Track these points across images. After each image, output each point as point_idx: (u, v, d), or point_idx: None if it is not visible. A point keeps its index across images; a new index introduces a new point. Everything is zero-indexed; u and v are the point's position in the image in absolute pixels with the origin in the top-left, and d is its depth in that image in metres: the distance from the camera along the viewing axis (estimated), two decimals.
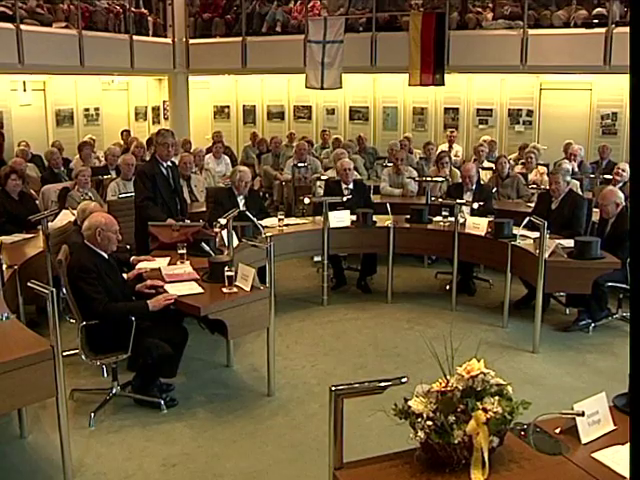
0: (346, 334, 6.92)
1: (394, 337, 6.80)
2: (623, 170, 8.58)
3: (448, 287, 7.91)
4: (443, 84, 12.64)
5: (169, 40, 15.45)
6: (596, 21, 11.77)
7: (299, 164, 10.46)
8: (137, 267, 5.89)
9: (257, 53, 14.68)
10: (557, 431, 3.01)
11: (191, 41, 15.55)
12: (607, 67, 11.74)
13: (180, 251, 6.05)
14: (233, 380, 5.90)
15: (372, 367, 6.02)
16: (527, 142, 12.35)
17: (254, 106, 17.36)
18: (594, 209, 7.94)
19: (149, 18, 15.17)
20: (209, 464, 4.54)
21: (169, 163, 7.09)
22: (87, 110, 15.52)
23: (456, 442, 2.62)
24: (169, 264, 6.00)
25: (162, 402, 5.27)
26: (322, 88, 13.61)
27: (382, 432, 4.43)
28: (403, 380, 2.81)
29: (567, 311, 7.45)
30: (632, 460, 1.85)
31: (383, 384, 2.80)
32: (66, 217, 7.35)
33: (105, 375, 5.71)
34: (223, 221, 6.10)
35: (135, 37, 14.08)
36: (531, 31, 12.21)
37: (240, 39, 14.83)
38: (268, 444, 4.79)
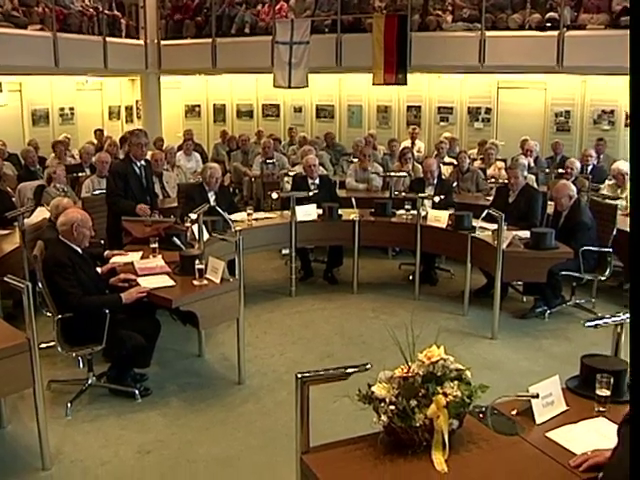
0: (314, 324, 7.10)
1: (359, 326, 6.98)
2: (573, 165, 8.91)
3: (411, 277, 8.09)
4: (405, 83, 12.86)
5: (141, 41, 15.57)
6: (549, 24, 12.11)
7: (267, 160, 10.66)
8: (111, 261, 5.99)
9: (226, 54, 14.83)
10: (513, 413, 3.14)
11: (163, 42, 15.67)
12: (560, 67, 12.10)
13: (152, 245, 6.20)
14: (205, 369, 6.03)
15: (339, 355, 6.17)
16: (486, 138, 12.67)
17: (224, 105, 17.50)
18: (549, 202, 8.20)
19: (122, 20, 15.26)
20: (182, 450, 4.65)
21: (142, 162, 7.26)
22: (62, 110, 15.59)
23: (417, 425, 2.74)
24: (142, 258, 6.12)
25: (136, 392, 5.37)
26: (289, 87, 13.77)
27: (349, 417, 4.46)
28: (367, 367, 2.93)
29: (524, 299, 7.69)
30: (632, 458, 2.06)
31: (347, 371, 2.91)
32: (42, 214, 7.44)
33: (81, 366, 5.78)
34: (194, 216, 6.22)
35: (108, 39, 14.19)
36: (488, 33, 12.51)
37: (210, 40, 15.00)
38: (239, 430, 4.93)
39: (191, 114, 17.79)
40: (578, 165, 9.19)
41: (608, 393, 3.17)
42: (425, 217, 7.75)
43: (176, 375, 5.85)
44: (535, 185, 9.01)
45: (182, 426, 5.00)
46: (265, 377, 5.80)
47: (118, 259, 6.10)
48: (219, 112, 17.53)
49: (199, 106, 17.76)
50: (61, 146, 11.10)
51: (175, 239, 6.30)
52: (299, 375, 2.84)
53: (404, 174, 9.41)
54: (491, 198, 8.55)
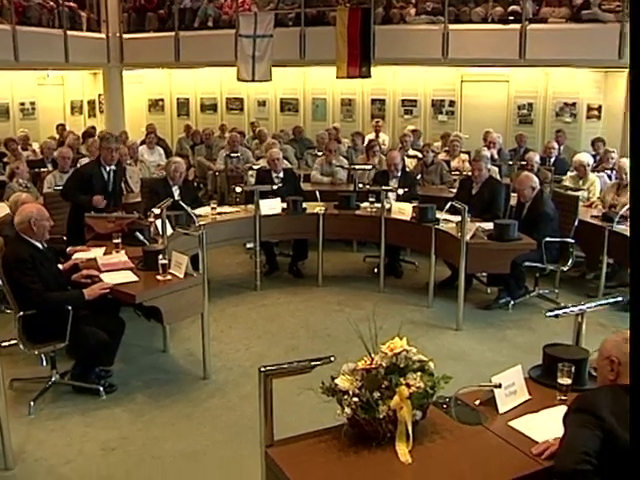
0: (279, 317, 7.09)
1: (325, 319, 6.99)
2: (532, 160, 9.01)
3: (376, 270, 8.13)
4: (369, 76, 12.91)
5: (103, 35, 15.37)
6: (511, 18, 12.25)
7: (231, 154, 10.63)
8: (73, 257, 5.93)
9: (190, 47, 14.74)
10: (477, 403, 3.19)
11: (125, 36, 15.49)
12: (522, 60, 12.24)
13: (115, 241, 6.15)
14: (170, 365, 6.00)
15: (304, 348, 6.18)
16: (449, 131, 12.73)
17: (187, 99, 17.39)
18: (512, 194, 8.27)
19: (82, 13, 15.06)
20: (148, 446, 4.63)
21: (113, 167, 7.23)
22: (23, 104, 15.35)
23: (381, 417, 2.77)
24: (105, 254, 6.07)
25: (101, 389, 5.33)
26: (253, 81, 13.76)
27: (314, 410, 4.33)
28: (330, 360, 2.96)
29: (488, 290, 7.76)
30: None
31: (311, 364, 2.94)
32: (3, 210, 7.31)
33: (44, 364, 5.72)
34: (157, 211, 6.20)
35: (69, 32, 13.99)
36: (452, 26, 12.59)
37: (173, 34, 14.88)
38: (205, 425, 4.92)
39: (154, 108, 17.66)
40: (537, 159, 9.26)
41: (569, 382, 3.22)
42: (389, 210, 7.78)
43: (141, 371, 5.82)
44: (498, 177, 9.09)
45: (147, 422, 4.98)
46: (230, 371, 5.79)
47: (81, 255, 6.03)
48: (183, 106, 17.42)
49: (162, 100, 17.63)
50: (13, 144, 10.89)
51: (138, 234, 6.29)
52: (262, 369, 2.85)
53: (369, 167, 9.43)
54: (455, 190, 8.60)
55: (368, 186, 8.48)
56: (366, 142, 11.70)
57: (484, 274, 7.77)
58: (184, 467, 4.41)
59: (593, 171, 9.37)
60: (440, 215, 7.28)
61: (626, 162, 8.36)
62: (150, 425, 4.94)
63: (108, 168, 7.21)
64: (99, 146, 7.67)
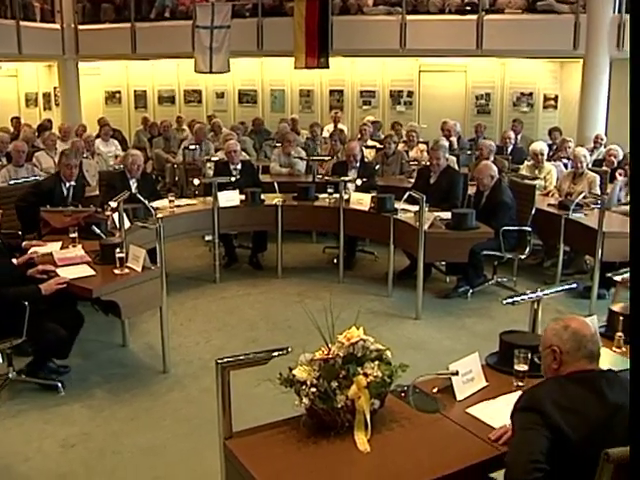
0: (238, 309, 7.07)
1: (285, 310, 6.98)
2: (484, 148, 9.08)
3: (335, 261, 8.14)
4: (327, 67, 12.94)
5: (57, 26, 15.11)
6: (468, 8, 12.35)
7: (190, 146, 10.58)
8: (29, 252, 5.83)
9: (146, 38, 14.60)
10: (435, 390, 3.20)
11: (80, 27, 15.26)
12: (479, 51, 12.37)
13: (72, 235, 6.08)
14: (129, 359, 5.95)
15: (264, 340, 6.14)
16: (401, 121, 12.85)
17: (145, 91, 17.25)
18: (470, 183, 8.35)
19: (36, 3, 14.79)
20: (107, 442, 4.58)
21: (73, 183, 7.16)
22: None
23: (339, 406, 2.77)
24: (61, 248, 6.00)
25: (59, 384, 5.26)
26: (211, 72, 13.73)
27: (274, 401, 4.36)
28: (287, 351, 2.96)
29: (447, 279, 7.81)
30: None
31: (267, 355, 2.94)
32: None
33: (0, 361, 5.60)
34: (114, 204, 6.13)
35: (22, 23, 13.75)
36: (409, 17, 12.68)
37: (129, 25, 14.75)
38: (165, 419, 4.89)
39: (111, 101, 17.47)
40: (493, 146, 9.32)
41: (526, 368, 3.26)
42: (348, 200, 7.79)
43: (100, 366, 5.76)
44: (456, 166, 9.15)
45: (107, 417, 4.94)
46: (190, 365, 5.76)
47: (36, 250, 5.93)
48: (140, 98, 17.27)
49: (119, 92, 17.45)
50: None
51: (95, 228, 6.21)
52: (219, 361, 2.85)
53: (328, 157, 9.44)
54: (413, 180, 8.63)
55: (327, 177, 8.49)
56: (328, 133, 11.77)
57: (443, 263, 7.82)
58: (144, 461, 4.38)
59: (550, 160, 9.49)
60: (398, 205, 7.31)
61: (581, 151, 8.49)
62: (110, 420, 4.90)
63: (68, 184, 7.17)
64: (58, 161, 7.56)
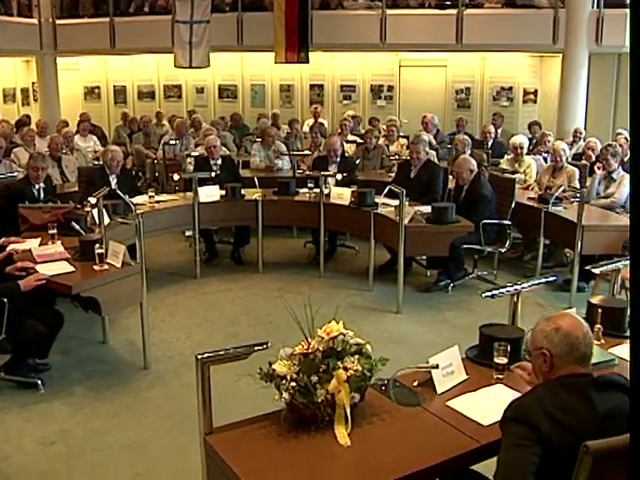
0: (219, 305, 7.06)
1: (265, 305, 6.97)
2: (462, 141, 9.13)
3: (315, 258, 8.16)
4: (308, 62, 12.93)
5: (35, 20, 14.96)
6: (448, 3, 12.40)
7: (170, 142, 10.55)
8: (7, 249, 5.79)
9: (125, 33, 14.53)
10: (415, 384, 3.20)
11: (58, 21, 15.13)
12: (459, 45, 12.42)
13: (51, 231, 6.05)
14: (110, 356, 5.92)
15: (245, 335, 6.13)
16: (388, 116, 12.82)
17: (124, 86, 17.12)
18: (450, 177, 8.33)
19: None
20: (88, 439, 4.56)
21: (42, 184, 7.13)
22: None
23: (319, 401, 2.76)
24: (40, 245, 5.96)
25: (39, 382, 5.23)
26: (191, 67, 13.65)
27: (254, 396, 4.39)
28: (266, 345, 2.97)
29: (428, 273, 7.84)
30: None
31: (247, 350, 2.94)
32: None
33: None
34: (93, 200, 6.11)
35: None
36: (389, 11, 12.72)
37: (108, 19, 14.66)
38: (146, 416, 4.87)
39: (91, 96, 17.34)
40: (468, 140, 9.35)
41: (505, 360, 3.27)
42: (328, 195, 7.77)
43: (80, 363, 5.72)
44: (436, 160, 9.16)
45: (87, 414, 4.91)
46: (171, 360, 5.74)
47: (15, 246, 5.87)
48: (119, 93, 17.15)
49: (99, 88, 17.31)
50: None
51: (74, 224, 6.17)
52: (199, 356, 2.84)
53: (308, 152, 9.43)
54: (394, 175, 8.63)
55: (307, 172, 8.48)
56: (308, 128, 11.77)
57: (423, 257, 7.84)
58: (126, 458, 4.36)
59: (529, 154, 9.53)
60: (379, 199, 7.32)
61: (561, 145, 8.53)
62: (90, 417, 4.87)
63: (37, 186, 7.14)
64: (27, 164, 7.51)
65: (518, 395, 3.06)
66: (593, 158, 9.23)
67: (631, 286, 1.86)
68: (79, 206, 6.94)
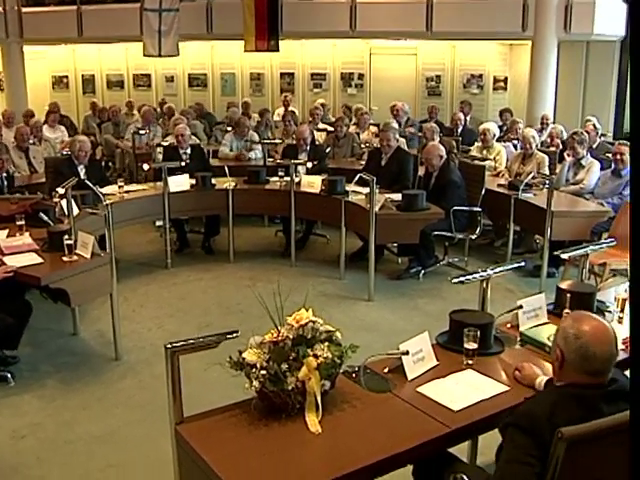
0: (191, 295, 7.03)
1: (237, 295, 6.94)
2: (430, 129, 9.15)
3: (287, 247, 8.10)
4: (278, 50, 12.88)
5: (0, 8, 14.77)
6: None
7: (140, 131, 10.47)
8: None
9: (93, 22, 14.39)
10: (386, 370, 3.20)
11: (24, 9, 14.95)
12: (429, 33, 12.44)
13: (18, 223, 5.99)
14: (80, 347, 5.88)
15: (216, 325, 6.10)
16: (359, 104, 12.84)
17: (93, 75, 17.00)
18: (420, 165, 8.35)
19: None
20: (59, 432, 4.54)
21: (4, 174, 7.06)
22: None
23: (290, 388, 2.75)
24: (8, 236, 5.89)
25: (9, 375, 5.18)
26: (160, 56, 13.52)
27: (229, 385, 4.34)
28: (236, 334, 2.95)
29: (399, 260, 7.85)
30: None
31: (217, 338, 2.92)
32: None
33: None
34: (61, 190, 6.04)
35: None
36: None
37: (75, 7, 14.50)
38: (118, 407, 4.85)
39: (59, 85, 17.18)
40: (436, 127, 9.38)
41: (475, 346, 3.28)
42: (299, 183, 7.77)
43: (50, 355, 5.68)
44: (406, 148, 9.18)
45: (58, 407, 4.89)
46: (142, 351, 5.72)
47: None
48: (88, 83, 17.01)
49: (67, 77, 17.16)
50: None
51: (42, 215, 6.09)
52: (168, 345, 2.82)
53: (279, 140, 9.41)
54: (364, 162, 8.63)
55: (278, 160, 8.45)
56: (279, 117, 11.74)
57: (395, 245, 7.86)
58: (97, 450, 4.34)
59: (500, 141, 9.58)
60: (349, 187, 7.32)
61: (530, 132, 8.58)
62: (61, 410, 4.85)
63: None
64: None
65: (488, 380, 3.12)
66: (560, 144, 9.33)
67: (631, 284, 1.84)
68: (47, 197, 6.88)
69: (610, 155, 7.90)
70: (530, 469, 2.32)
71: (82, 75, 17.08)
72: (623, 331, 3.58)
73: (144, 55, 13.64)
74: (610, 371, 2.50)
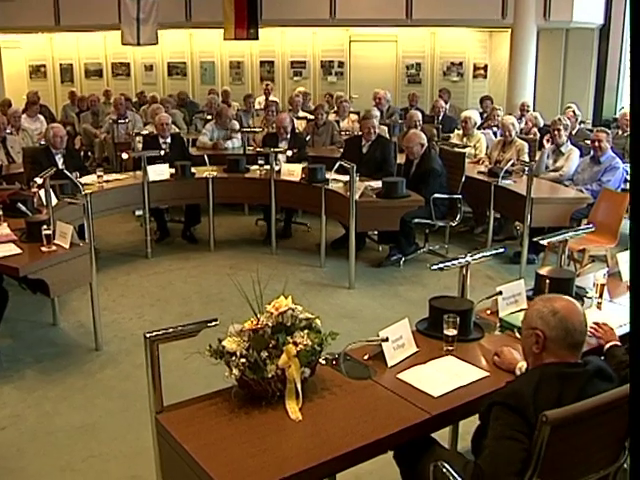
0: (171, 284, 7.01)
1: (218, 284, 6.93)
2: (413, 117, 9.12)
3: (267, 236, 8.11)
4: (257, 38, 12.87)
5: None
6: None
7: (119, 120, 10.40)
8: None
9: (71, 10, 14.30)
10: (366, 357, 3.20)
11: None
12: (409, 20, 12.45)
13: None
14: (61, 338, 5.84)
15: (197, 314, 6.09)
16: (339, 92, 12.82)
17: (71, 64, 16.87)
18: (400, 152, 8.35)
19: None
20: (40, 423, 4.51)
21: None
22: None
23: (270, 376, 2.75)
24: None
25: None
26: (138, 44, 13.43)
27: (210, 374, 4.40)
28: (215, 322, 2.95)
29: (380, 248, 7.86)
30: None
31: (196, 327, 2.91)
32: None
33: None
34: (39, 180, 6.01)
35: None
36: None
37: None
38: (99, 397, 4.83)
39: (36, 75, 17.02)
40: (419, 115, 9.37)
41: (455, 332, 3.29)
42: (279, 172, 7.74)
43: (30, 346, 5.64)
44: (387, 136, 9.18)
45: (39, 398, 4.85)
46: (123, 341, 5.70)
47: None
48: (66, 72, 16.88)
49: (44, 66, 17.00)
50: None
51: (20, 205, 6.04)
52: (148, 334, 2.81)
53: (259, 129, 9.39)
54: (342, 150, 8.61)
55: (258, 149, 8.43)
56: (260, 105, 11.69)
57: (375, 232, 7.87)
58: (79, 440, 4.32)
59: (480, 128, 9.61)
60: (329, 175, 7.31)
61: (510, 119, 8.61)
62: (42, 401, 4.82)
63: None
64: None
65: (468, 366, 3.13)
66: (537, 132, 9.40)
67: (631, 284, 1.86)
68: (25, 187, 6.83)
69: (589, 142, 7.93)
70: (519, 445, 2.36)
71: (60, 64, 16.93)
72: (600, 316, 3.62)
73: (122, 44, 13.55)
74: (584, 343, 2.63)
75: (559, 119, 8.04)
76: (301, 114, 10.93)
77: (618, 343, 3.19)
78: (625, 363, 2.94)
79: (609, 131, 7.80)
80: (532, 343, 2.63)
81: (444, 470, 2.52)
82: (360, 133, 8.29)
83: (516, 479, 2.32)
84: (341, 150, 8.87)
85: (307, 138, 9.48)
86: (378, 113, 9.66)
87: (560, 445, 2.29)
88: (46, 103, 14.14)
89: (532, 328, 2.63)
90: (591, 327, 3.31)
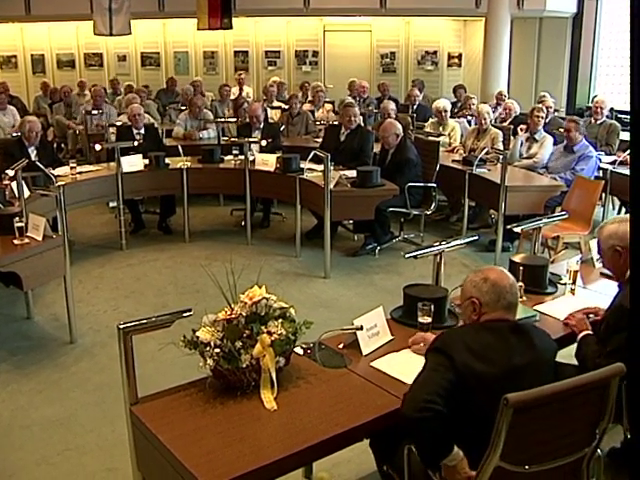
0: (146, 276, 6.98)
1: (193, 275, 6.91)
2: (388, 107, 9.12)
3: (243, 223, 8.09)
4: (231, 28, 12.76)
5: None
6: None
7: (93, 111, 10.32)
8: None
9: None
10: (340, 346, 3.23)
11: None
12: (383, 10, 12.45)
13: None
14: (35, 331, 5.80)
15: (173, 305, 6.00)
16: (314, 81, 12.79)
17: (43, 55, 16.60)
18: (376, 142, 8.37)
19: None
20: (15, 417, 4.48)
21: None
22: None
23: (244, 366, 2.76)
24: None
25: None
26: (111, 35, 13.26)
27: (186, 365, 4.47)
28: (188, 313, 2.94)
29: (355, 237, 7.88)
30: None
31: (170, 318, 2.90)
32: None
33: None
34: (11, 172, 5.97)
35: None
36: None
37: None
38: (74, 390, 4.81)
39: (7, 65, 16.75)
40: (393, 105, 9.38)
41: (429, 320, 3.31)
42: (253, 162, 7.72)
43: (4, 340, 5.59)
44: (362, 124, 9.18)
45: (13, 392, 4.82)
46: (98, 334, 5.66)
47: None
48: (38, 62, 16.63)
49: (15, 57, 16.73)
50: None
51: None
52: (121, 325, 2.79)
53: (233, 120, 9.36)
54: (320, 140, 8.62)
55: (232, 139, 8.40)
56: (233, 96, 11.65)
57: (350, 222, 7.88)
58: (54, 433, 4.30)
59: (454, 117, 9.63)
60: (304, 165, 7.29)
61: (485, 107, 8.64)
62: (16, 394, 4.78)
63: None
64: None
65: None
66: (512, 118, 9.46)
67: (631, 282, 1.86)
68: None
69: (563, 130, 7.98)
70: (440, 374, 2.54)
71: (31, 55, 16.68)
72: (575, 303, 3.65)
73: (95, 34, 13.37)
74: (517, 304, 2.86)
75: (539, 107, 8.09)
76: (275, 104, 10.90)
77: (591, 332, 3.26)
78: (599, 352, 3.07)
79: (580, 120, 7.84)
80: (470, 312, 2.84)
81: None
82: (336, 122, 8.27)
83: (429, 398, 2.45)
84: (316, 140, 8.89)
85: (282, 128, 9.44)
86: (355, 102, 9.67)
87: (523, 428, 2.31)
88: (18, 94, 13.99)
89: (468, 298, 2.85)
90: (566, 317, 3.48)
